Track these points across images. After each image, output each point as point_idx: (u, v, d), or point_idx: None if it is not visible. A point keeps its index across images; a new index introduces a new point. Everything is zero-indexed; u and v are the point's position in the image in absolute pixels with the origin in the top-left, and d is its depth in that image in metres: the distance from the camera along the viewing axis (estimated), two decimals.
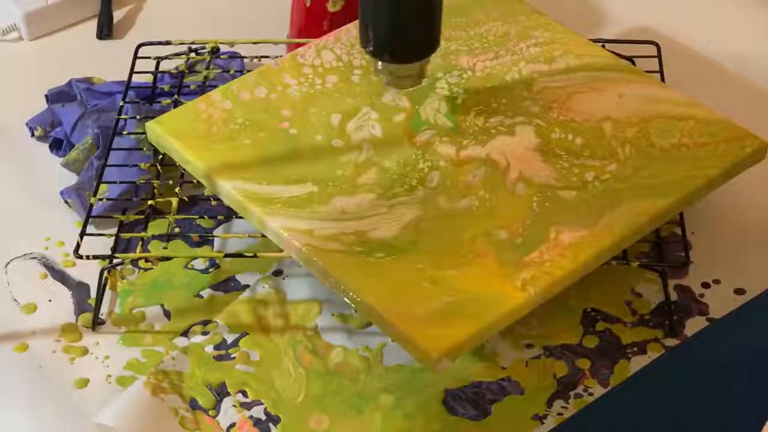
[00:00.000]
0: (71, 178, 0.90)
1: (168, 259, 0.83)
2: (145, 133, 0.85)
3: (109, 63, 1.00)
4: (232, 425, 0.75)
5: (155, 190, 0.86)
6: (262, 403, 0.75)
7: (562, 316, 0.80)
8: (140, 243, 0.81)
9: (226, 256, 0.80)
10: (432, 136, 0.82)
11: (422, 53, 0.78)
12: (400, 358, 0.77)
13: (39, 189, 0.90)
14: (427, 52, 0.78)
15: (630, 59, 0.92)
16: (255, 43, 0.95)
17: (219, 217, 0.85)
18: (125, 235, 0.84)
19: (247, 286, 0.83)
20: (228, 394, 0.76)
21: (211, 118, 0.83)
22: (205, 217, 0.86)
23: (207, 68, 0.95)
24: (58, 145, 0.93)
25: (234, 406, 0.75)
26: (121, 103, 0.91)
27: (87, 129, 0.91)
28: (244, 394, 0.76)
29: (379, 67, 0.79)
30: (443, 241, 0.74)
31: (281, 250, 0.76)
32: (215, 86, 0.88)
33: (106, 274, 0.82)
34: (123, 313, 0.81)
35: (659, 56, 0.93)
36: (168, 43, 0.96)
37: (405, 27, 0.76)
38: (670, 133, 0.81)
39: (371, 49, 0.77)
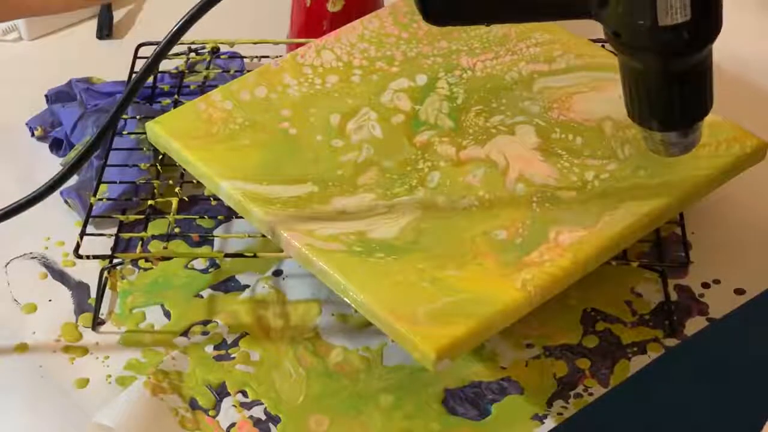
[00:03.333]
0: (71, 178, 0.90)
1: (168, 259, 0.83)
2: (145, 133, 0.85)
3: (109, 63, 1.00)
4: (232, 425, 0.74)
5: (155, 190, 0.86)
6: (262, 403, 0.75)
7: (562, 316, 0.80)
8: (140, 243, 0.81)
9: (226, 256, 0.80)
10: (432, 136, 0.82)
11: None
12: (400, 358, 0.77)
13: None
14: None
15: None
16: (255, 43, 0.95)
17: (219, 217, 0.85)
18: (125, 235, 0.84)
19: (247, 286, 0.83)
20: (228, 394, 0.76)
21: (211, 118, 0.83)
22: (205, 217, 0.86)
23: (207, 68, 0.95)
24: (58, 145, 0.93)
25: (234, 406, 0.75)
26: None
27: (87, 129, 0.91)
28: (244, 394, 0.76)
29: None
30: (443, 241, 0.74)
31: (281, 250, 0.76)
32: (215, 86, 0.88)
33: (106, 274, 0.82)
34: (123, 313, 0.81)
35: None
36: None
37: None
38: None
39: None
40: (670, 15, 0.64)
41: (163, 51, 0.72)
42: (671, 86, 0.68)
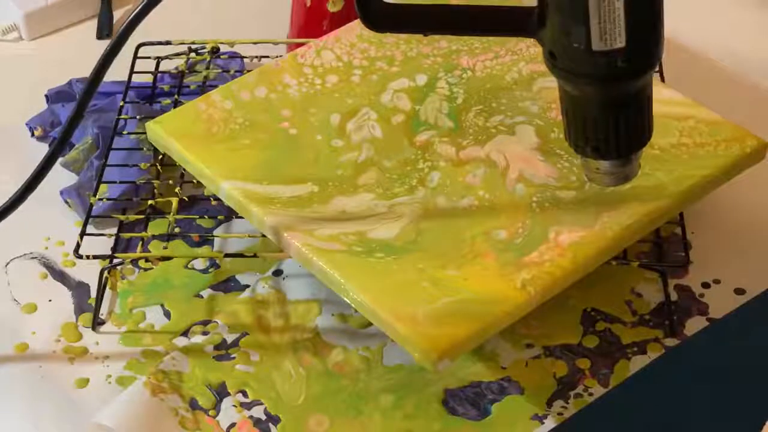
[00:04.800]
0: (71, 178, 0.90)
1: (168, 259, 0.83)
2: (145, 133, 0.85)
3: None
4: (232, 425, 0.74)
5: (155, 190, 0.86)
6: (262, 403, 0.75)
7: (562, 316, 0.80)
8: (140, 243, 0.81)
9: (226, 256, 0.80)
10: (432, 136, 0.82)
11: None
12: (400, 358, 0.77)
13: (39, 189, 0.90)
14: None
15: None
16: (255, 43, 0.95)
17: (219, 217, 0.85)
18: (125, 235, 0.84)
19: (247, 286, 0.83)
20: (228, 394, 0.76)
21: (211, 118, 0.83)
22: (205, 217, 0.86)
23: (207, 68, 0.95)
24: None
25: (234, 406, 0.75)
26: (121, 103, 0.91)
27: (87, 129, 0.91)
28: (244, 394, 0.76)
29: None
30: (443, 241, 0.74)
31: (281, 250, 0.76)
32: (215, 86, 0.88)
33: (106, 274, 0.82)
34: (123, 313, 0.81)
35: None
36: (168, 43, 0.96)
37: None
38: (670, 133, 0.81)
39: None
40: (605, 40, 0.62)
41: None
42: (606, 113, 0.66)
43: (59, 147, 0.74)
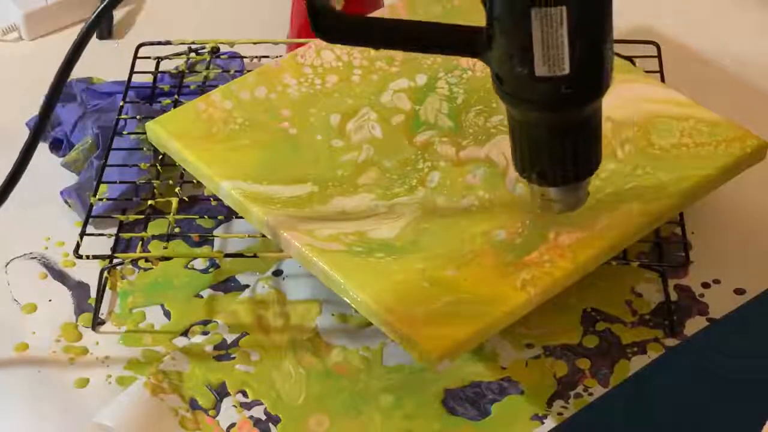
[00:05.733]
0: (71, 178, 0.90)
1: (168, 259, 0.83)
2: (145, 133, 0.85)
3: (109, 63, 1.00)
4: (232, 425, 0.75)
5: (155, 190, 0.86)
6: (262, 403, 0.75)
7: (562, 316, 0.80)
8: (140, 243, 0.81)
9: (226, 256, 0.80)
10: (432, 136, 0.82)
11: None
12: (400, 358, 0.77)
13: (39, 189, 0.90)
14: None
15: (630, 59, 0.92)
16: (255, 43, 0.95)
17: (219, 217, 0.85)
18: (125, 235, 0.84)
19: (247, 286, 0.83)
20: (228, 394, 0.76)
21: (211, 118, 0.83)
22: (205, 217, 0.86)
23: (207, 68, 0.95)
24: (58, 145, 0.93)
25: (234, 406, 0.75)
26: (121, 103, 0.91)
27: (87, 129, 0.91)
28: (244, 394, 0.76)
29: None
30: (443, 241, 0.74)
31: (281, 250, 0.76)
32: (215, 86, 0.88)
33: (106, 274, 0.82)
34: (123, 313, 0.81)
35: (659, 56, 0.93)
36: (168, 43, 0.96)
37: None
38: (670, 133, 0.81)
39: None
40: (548, 66, 0.62)
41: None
42: (552, 140, 0.66)
43: (41, 125, 0.74)
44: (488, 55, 0.64)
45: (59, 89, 0.73)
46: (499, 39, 0.63)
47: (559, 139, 0.66)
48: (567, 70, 0.61)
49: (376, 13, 0.92)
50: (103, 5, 0.71)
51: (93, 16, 0.71)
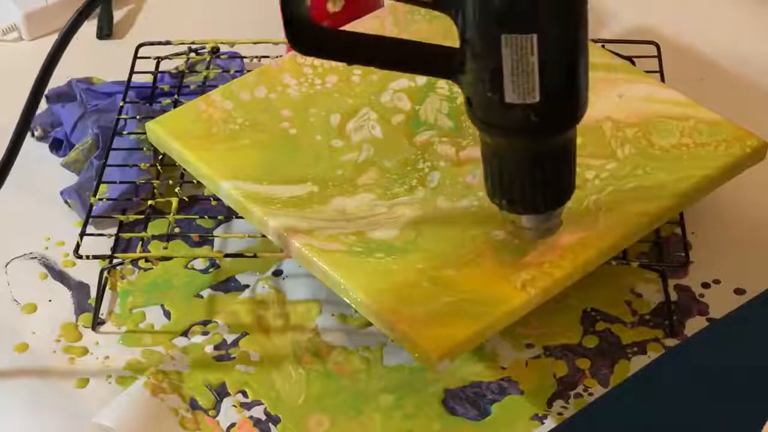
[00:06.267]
0: (71, 178, 0.90)
1: (168, 259, 0.83)
2: (145, 133, 0.85)
3: (109, 63, 1.00)
4: (232, 425, 0.75)
5: (155, 190, 0.86)
6: (262, 403, 0.75)
7: (562, 316, 0.80)
8: (140, 243, 0.81)
9: (226, 256, 0.80)
10: (432, 136, 0.82)
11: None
12: (400, 358, 0.77)
13: (39, 189, 0.90)
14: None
15: (630, 59, 0.92)
16: (255, 43, 0.95)
17: (219, 217, 0.85)
18: (125, 235, 0.84)
19: (247, 286, 0.83)
20: (228, 394, 0.76)
21: (211, 118, 0.83)
22: (205, 217, 0.86)
23: (207, 68, 0.95)
24: (58, 145, 0.93)
25: (234, 406, 0.75)
26: (121, 103, 0.91)
27: (87, 129, 0.91)
28: (244, 394, 0.76)
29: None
30: (443, 241, 0.74)
31: (281, 250, 0.76)
32: (215, 86, 0.88)
33: (106, 274, 0.82)
34: (123, 313, 0.81)
35: (659, 56, 0.93)
36: (168, 43, 0.96)
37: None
38: (670, 133, 0.81)
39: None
40: (518, 93, 0.61)
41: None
42: (522, 168, 0.65)
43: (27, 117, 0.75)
44: (461, 78, 0.63)
45: (44, 84, 0.73)
46: (470, 63, 0.62)
47: (529, 167, 0.65)
48: (537, 99, 0.61)
49: (374, 14, 0.91)
50: (85, 3, 0.70)
51: (75, 15, 0.70)
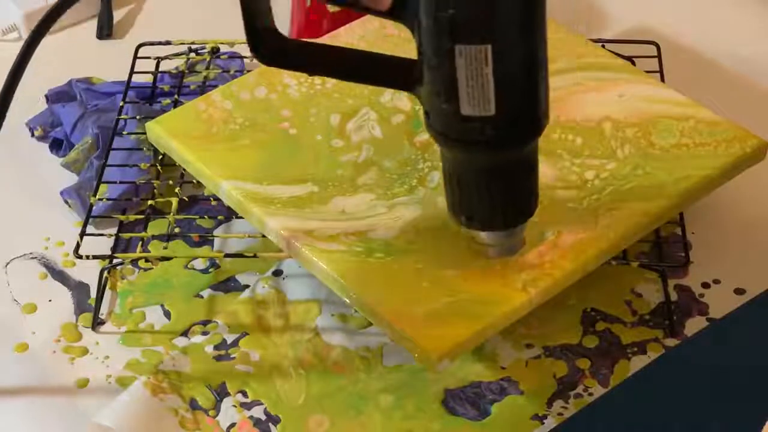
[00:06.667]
0: (71, 178, 0.90)
1: (168, 259, 0.83)
2: (145, 133, 0.85)
3: (109, 63, 1.00)
4: (232, 425, 0.75)
5: (155, 190, 0.86)
6: (262, 403, 0.75)
7: (562, 316, 0.80)
8: (140, 243, 0.81)
9: (226, 256, 0.80)
10: None
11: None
12: (400, 358, 0.77)
13: (39, 189, 0.90)
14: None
15: (630, 59, 0.92)
16: None
17: (219, 217, 0.85)
18: (125, 235, 0.84)
19: (247, 286, 0.83)
20: (228, 394, 0.76)
21: (211, 118, 0.83)
22: (205, 217, 0.86)
23: (207, 68, 0.95)
24: (58, 145, 0.93)
25: (234, 406, 0.75)
26: (121, 103, 0.91)
27: (87, 129, 0.91)
28: (244, 394, 0.76)
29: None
30: (443, 241, 0.74)
31: (281, 250, 0.76)
32: (215, 86, 0.88)
33: (106, 274, 0.82)
34: (123, 313, 0.81)
35: (659, 56, 0.93)
36: (168, 43, 0.96)
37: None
38: (670, 133, 0.81)
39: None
40: (473, 106, 0.60)
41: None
42: (480, 182, 0.64)
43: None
44: (419, 90, 0.62)
45: (15, 83, 0.72)
46: (426, 74, 0.61)
47: (487, 182, 0.64)
48: (493, 111, 0.60)
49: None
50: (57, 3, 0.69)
51: (45, 15, 0.70)
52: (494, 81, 0.59)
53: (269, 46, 0.66)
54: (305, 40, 0.69)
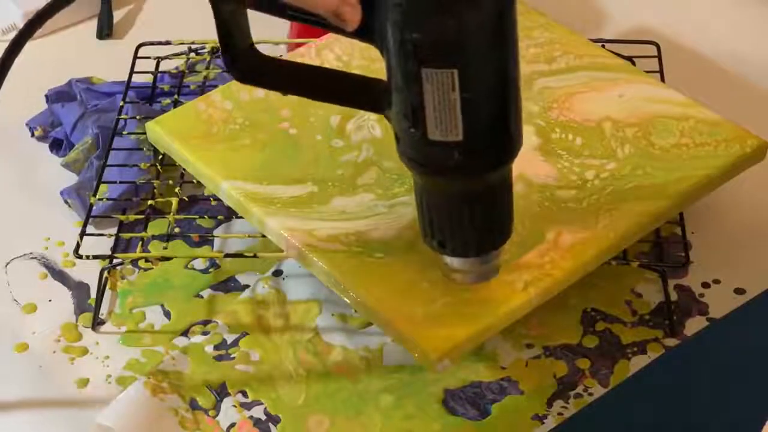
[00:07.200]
0: (71, 178, 0.90)
1: (168, 259, 0.83)
2: (145, 133, 0.85)
3: (109, 63, 1.00)
4: (232, 425, 0.74)
5: (155, 190, 0.86)
6: (262, 403, 0.75)
7: (562, 316, 0.80)
8: (140, 243, 0.81)
9: (226, 256, 0.80)
10: None
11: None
12: (400, 358, 0.77)
13: (39, 189, 0.90)
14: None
15: (630, 59, 0.92)
16: (255, 43, 0.95)
17: (219, 217, 0.85)
18: (125, 235, 0.84)
19: (247, 286, 0.83)
20: (228, 394, 0.76)
21: (211, 118, 0.83)
22: (205, 217, 0.86)
23: (207, 68, 0.95)
24: (58, 145, 0.93)
25: (234, 406, 0.75)
26: (121, 103, 0.91)
27: (87, 129, 0.91)
28: (244, 394, 0.76)
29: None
30: None
31: (281, 250, 0.76)
32: (215, 86, 0.88)
33: (106, 274, 0.82)
34: (123, 313, 0.81)
35: (659, 56, 0.93)
36: (168, 43, 0.96)
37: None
38: (670, 133, 0.81)
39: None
40: (441, 130, 0.58)
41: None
42: (450, 208, 0.63)
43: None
44: (389, 113, 0.61)
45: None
46: (395, 97, 0.60)
47: (457, 208, 0.63)
48: (460, 137, 0.58)
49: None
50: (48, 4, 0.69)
51: (34, 16, 0.70)
52: (461, 106, 0.58)
53: (244, 65, 0.66)
54: (282, 59, 0.69)
